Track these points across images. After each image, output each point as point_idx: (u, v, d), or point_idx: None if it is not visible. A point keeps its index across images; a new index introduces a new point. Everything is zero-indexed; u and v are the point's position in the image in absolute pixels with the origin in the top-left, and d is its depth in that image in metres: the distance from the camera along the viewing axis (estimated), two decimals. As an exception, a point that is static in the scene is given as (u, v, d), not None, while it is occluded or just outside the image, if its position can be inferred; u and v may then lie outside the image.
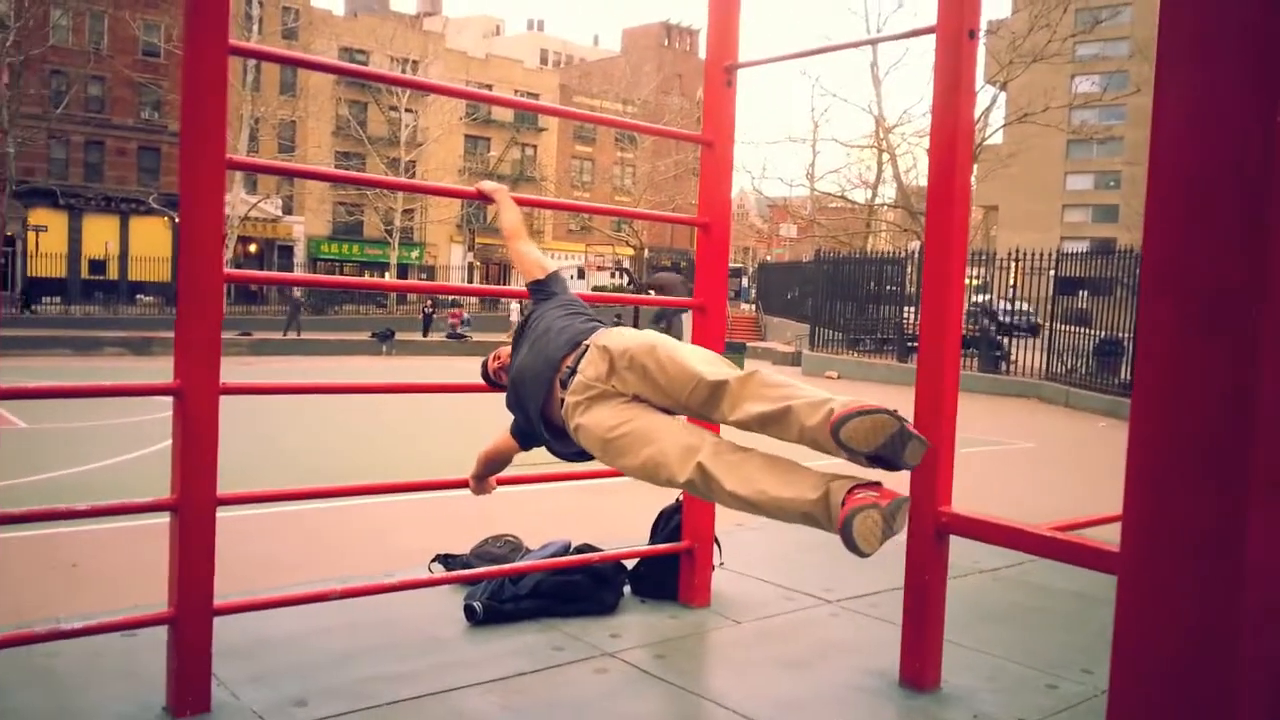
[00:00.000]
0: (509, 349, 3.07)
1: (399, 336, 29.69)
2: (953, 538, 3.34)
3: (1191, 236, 1.13)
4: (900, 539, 3.43)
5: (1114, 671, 1.26)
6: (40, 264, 38.41)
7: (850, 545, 2.11)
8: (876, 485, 2.19)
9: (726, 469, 2.29)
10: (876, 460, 2.18)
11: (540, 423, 2.74)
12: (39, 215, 38.88)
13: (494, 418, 3.04)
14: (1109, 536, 3.43)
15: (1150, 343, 1.18)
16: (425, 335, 33.48)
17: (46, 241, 39.06)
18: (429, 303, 36.79)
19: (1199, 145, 1.13)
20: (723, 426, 2.52)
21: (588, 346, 2.62)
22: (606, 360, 2.53)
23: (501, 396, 3.05)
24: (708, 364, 2.44)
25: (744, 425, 2.35)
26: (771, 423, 2.28)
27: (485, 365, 3.22)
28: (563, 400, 2.60)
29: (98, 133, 41.44)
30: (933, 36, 3.35)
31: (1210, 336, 1.11)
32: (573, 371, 2.60)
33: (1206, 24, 1.14)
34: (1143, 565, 1.17)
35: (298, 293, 32.57)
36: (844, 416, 2.16)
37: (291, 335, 30.05)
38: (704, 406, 2.41)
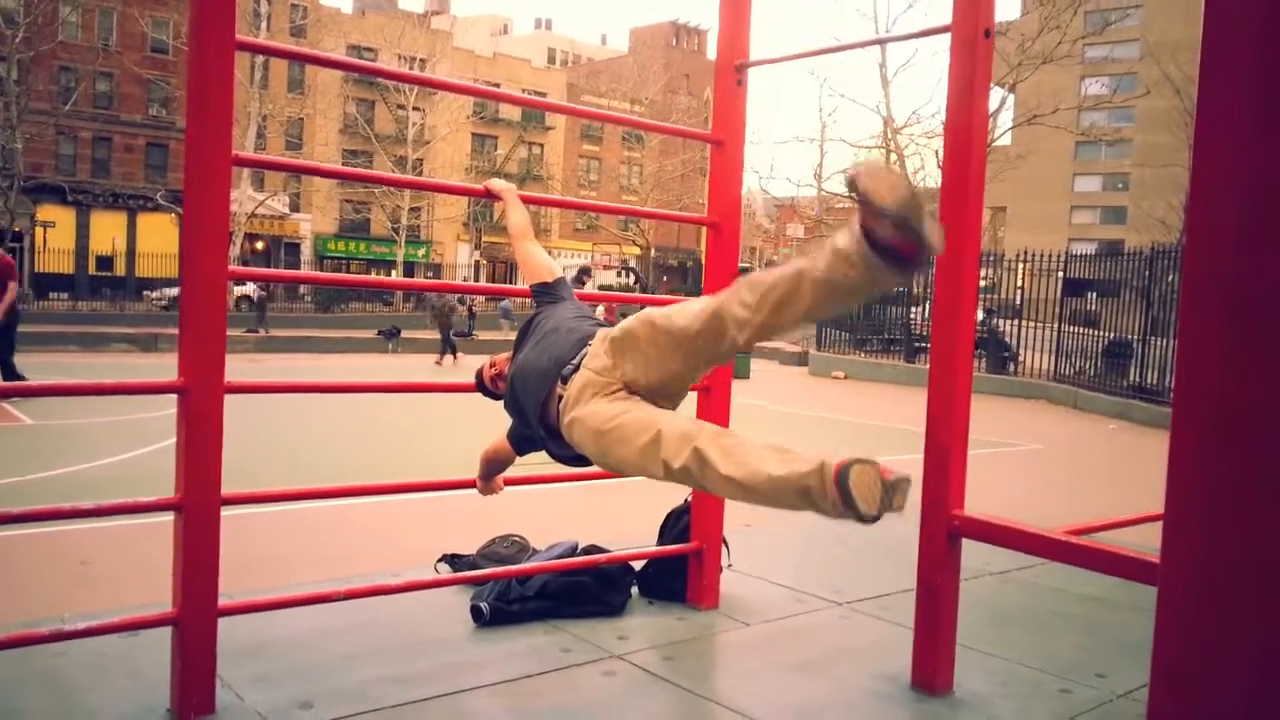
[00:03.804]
0: (505, 357, 3.02)
1: (405, 334, 29.64)
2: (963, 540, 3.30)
3: (1248, 240, 1.09)
4: (911, 541, 3.41)
5: (1154, 684, 1.22)
6: (48, 260, 38.48)
7: (848, 502, 1.98)
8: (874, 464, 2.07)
9: (722, 453, 2.21)
10: (899, 238, 2.01)
11: (538, 422, 2.69)
12: (47, 211, 38.96)
13: (499, 416, 3.01)
14: (1125, 539, 3.39)
15: (1195, 348, 1.14)
16: (470, 335, 33.16)
17: (54, 237, 39.15)
18: (470, 303, 36.55)
19: (1256, 145, 1.09)
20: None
21: (591, 343, 2.59)
22: (610, 351, 2.48)
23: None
24: (696, 305, 2.38)
25: (765, 328, 2.25)
26: (787, 300, 2.18)
27: (480, 374, 3.13)
28: (561, 396, 2.56)
29: (106, 129, 41.53)
30: (946, 37, 3.31)
31: (1269, 342, 1.07)
32: (575, 368, 2.56)
33: (1256, 21, 1.10)
34: (1191, 578, 1.13)
35: (256, 288, 31.44)
36: (863, 181, 2.00)
37: (262, 332, 28.38)
38: (716, 340, 2.33)
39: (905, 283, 2.11)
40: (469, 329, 34.20)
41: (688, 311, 2.37)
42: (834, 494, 2.01)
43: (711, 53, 4.38)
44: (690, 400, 3.02)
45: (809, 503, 2.10)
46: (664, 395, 2.49)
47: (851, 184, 2.02)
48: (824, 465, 2.06)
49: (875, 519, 2.01)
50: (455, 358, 22.97)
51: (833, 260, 2.09)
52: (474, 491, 3.33)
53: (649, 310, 2.49)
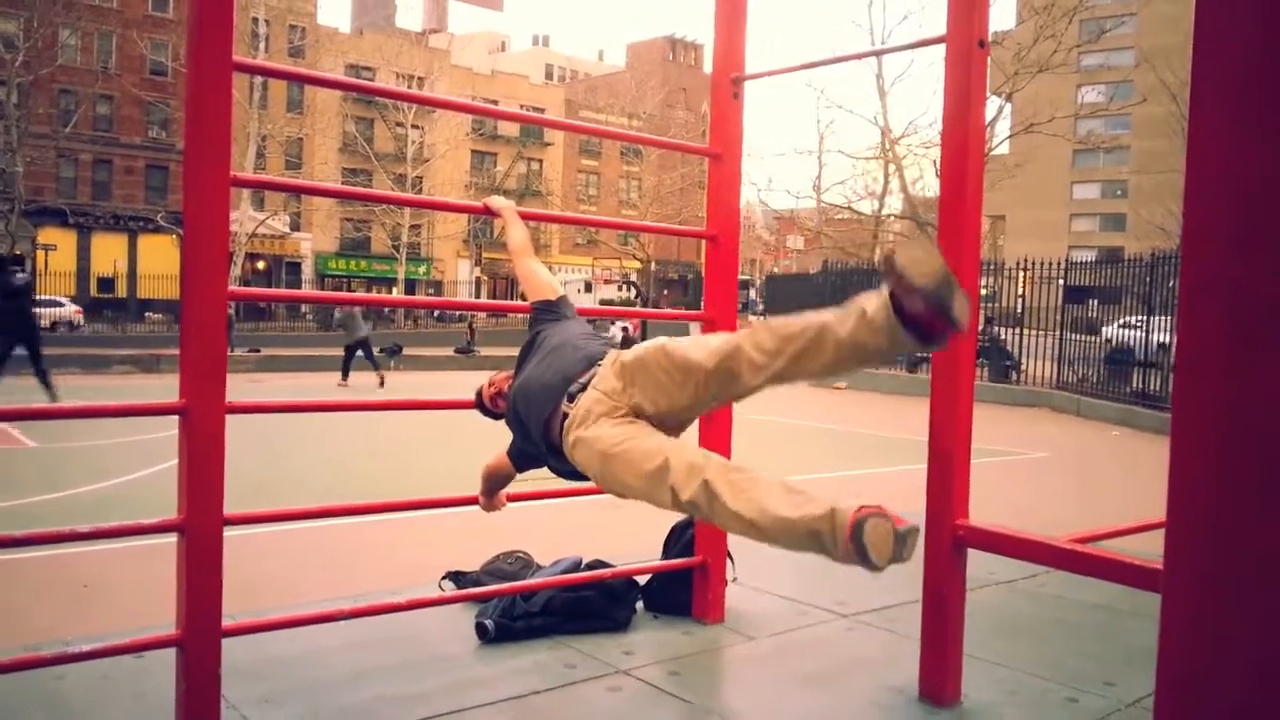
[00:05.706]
0: (505, 375, 3.00)
1: (406, 351, 29.63)
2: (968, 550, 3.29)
3: (1244, 244, 1.09)
4: (917, 552, 3.40)
5: (1159, 692, 1.22)
6: (49, 283, 38.51)
7: (860, 552, 2.00)
8: (883, 510, 2.08)
9: (731, 488, 2.20)
10: (928, 314, 2.04)
11: (542, 439, 2.68)
12: (48, 234, 39.04)
13: (500, 432, 3.01)
14: (1131, 547, 3.39)
15: (1195, 355, 1.13)
16: (470, 352, 33.18)
17: (55, 260, 39.19)
18: (472, 320, 36.49)
19: (1248, 149, 1.09)
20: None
21: (601, 364, 2.57)
22: (620, 374, 2.47)
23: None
24: (713, 342, 2.37)
25: (779, 376, 2.26)
26: (806, 354, 2.20)
27: (480, 393, 3.10)
28: (566, 414, 2.55)
29: (106, 151, 41.68)
30: (941, 47, 3.33)
31: (1268, 345, 1.07)
32: (583, 387, 2.54)
33: (1248, 22, 1.10)
34: (1192, 585, 1.12)
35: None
36: (900, 258, 2.03)
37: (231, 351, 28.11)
38: (729, 381, 2.33)
39: (925, 351, 2.14)
40: (469, 346, 34.18)
41: (705, 347, 2.35)
42: (846, 543, 2.02)
43: (708, 67, 4.43)
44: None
45: (817, 546, 2.10)
46: (670, 424, 2.48)
47: (888, 261, 2.05)
48: (835, 511, 2.06)
49: (882, 569, 2.03)
50: (345, 381, 21.58)
51: (858, 324, 2.12)
52: (477, 508, 3.32)
53: (665, 339, 2.47)
